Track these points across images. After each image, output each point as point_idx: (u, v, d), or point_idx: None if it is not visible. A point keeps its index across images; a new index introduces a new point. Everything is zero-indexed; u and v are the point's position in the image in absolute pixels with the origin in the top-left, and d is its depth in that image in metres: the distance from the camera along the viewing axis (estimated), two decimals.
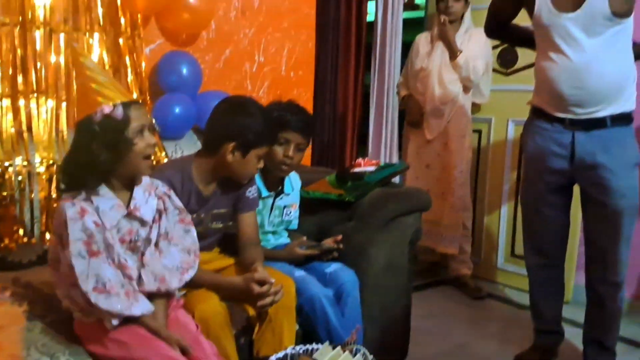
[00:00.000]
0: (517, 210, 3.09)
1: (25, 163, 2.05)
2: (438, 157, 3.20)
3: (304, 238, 2.09)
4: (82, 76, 1.51)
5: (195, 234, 1.67)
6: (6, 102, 2.08)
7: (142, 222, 1.57)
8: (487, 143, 3.37)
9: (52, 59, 2.17)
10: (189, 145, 2.42)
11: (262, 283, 1.70)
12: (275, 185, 2.13)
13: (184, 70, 2.47)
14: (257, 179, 2.05)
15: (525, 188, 2.35)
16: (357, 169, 2.43)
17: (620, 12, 1.96)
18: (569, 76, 2.03)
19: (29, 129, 2.12)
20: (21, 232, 2.05)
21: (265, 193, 2.09)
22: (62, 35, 2.20)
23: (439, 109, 3.12)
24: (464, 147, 3.14)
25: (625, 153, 2.09)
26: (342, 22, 3.37)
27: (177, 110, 2.38)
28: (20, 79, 2.11)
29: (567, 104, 2.07)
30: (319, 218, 2.28)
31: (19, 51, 2.11)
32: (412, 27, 4.11)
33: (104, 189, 1.51)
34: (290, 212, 2.19)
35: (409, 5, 4.92)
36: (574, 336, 2.54)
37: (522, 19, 2.24)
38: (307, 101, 3.17)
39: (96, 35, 2.28)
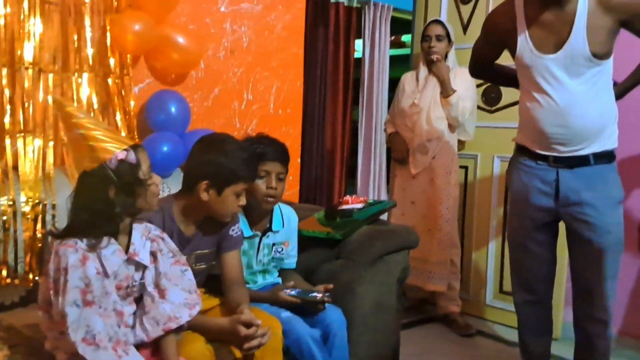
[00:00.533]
0: (504, 246, 3.11)
1: (10, 202, 2.04)
2: (424, 194, 3.21)
3: (292, 283, 2.05)
4: (72, 130, 1.51)
5: (191, 274, 1.67)
6: None
7: (138, 267, 1.57)
8: (473, 179, 3.41)
9: (40, 98, 2.18)
10: (177, 184, 2.41)
11: (248, 325, 1.68)
12: (262, 224, 2.12)
13: (173, 109, 2.48)
14: (241, 218, 2.03)
15: (511, 225, 2.36)
16: (345, 207, 2.44)
17: (600, 54, 2.00)
18: (552, 115, 2.07)
19: (15, 168, 2.11)
20: (4, 272, 2.02)
21: (248, 232, 2.06)
22: (50, 75, 2.22)
23: (425, 145, 3.16)
24: (450, 184, 3.17)
25: (609, 190, 2.11)
26: (330, 58, 3.43)
27: (164, 148, 2.38)
28: (7, 118, 2.11)
29: (550, 142, 2.11)
30: (306, 256, 2.27)
31: (6, 91, 2.12)
32: (398, 64, 4.19)
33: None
34: (281, 250, 2.16)
35: (395, 43, 5.02)
36: None
37: (505, 58, 2.29)
38: (295, 138, 3.20)
39: (85, 75, 2.29)
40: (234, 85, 2.88)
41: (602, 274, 2.12)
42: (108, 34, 2.34)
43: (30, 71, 2.15)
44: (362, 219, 2.31)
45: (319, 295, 1.96)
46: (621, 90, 2.20)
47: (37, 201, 2.10)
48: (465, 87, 3.10)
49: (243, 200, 1.83)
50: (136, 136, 2.42)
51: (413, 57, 3.74)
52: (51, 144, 2.20)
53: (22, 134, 2.14)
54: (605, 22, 1.99)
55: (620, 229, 2.12)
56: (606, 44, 2.01)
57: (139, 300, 1.60)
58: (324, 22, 3.43)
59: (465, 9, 3.43)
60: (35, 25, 2.15)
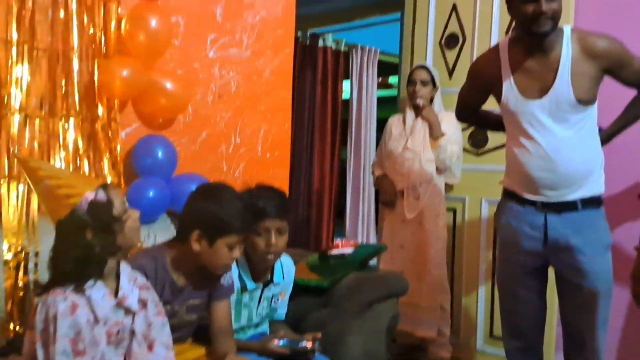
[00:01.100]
0: (494, 290, 3.08)
1: None
2: (412, 237, 3.20)
3: (282, 332, 2.00)
4: (40, 183, 1.52)
5: (169, 329, 1.63)
6: None
7: (127, 312, 1.54)
8: (462, 222, 3.40)
9: (26, 143, 2.17)
10: (162, 229, 2.39)
11: None
12: (264, 275, 2.06)
13: (160, 154, 2.46)
14: (244, 270, 1.99)
15: (501, 270, 2.35)
16: (335, 251, 2.42)
17: (584, 100, 2.03)
18: (539, 160, 2.08)
19: None
20: None
21: (251, 286, 2.01)
22: (37, 121, 2.20)
23: (417, 188, 3.16)
24: (438, 227, 3.16)
25: (597, 236, 2.11)
26: (318, 100, 3.47)
27: (150, 193, 2.36)
28: None
29: (537, 187, 2.11)
30: (294, 304, 2.23)
31: None
32: (386, 104, 4.24)
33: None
34: (277, 301, 2.12)
35: (383, 84, 5.09)
36: None
37: (491, 103, 2.31)
38: (282, 180, 3.18)
39: (72, 120, 2.28)
40: (221, 129, 2.88)
41: (593, 319, 2.11)
42: (96, 79, 2.34)
43: (17, 116, 2.14)
44: (352, 265, 2.29)
45: (308, 345, 1.91)
46: (606, 136, 2.22)
47: (19, 248, 2.06)
48: (451, 130, 3.13)
49: (237, 254, 1.76)
50: (122, 181, 2.39)
51: (400, 101, 3.77)
52: None
53: (7, 180, 2.12)
54: (589, 69, 2.02)
55: (609, 274, 2.11)
56: (591, 90, 2.04)
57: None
58: (312, 65, 3.48)
59: (451, 54, 3.48)
60: (23, 71, 2.15)
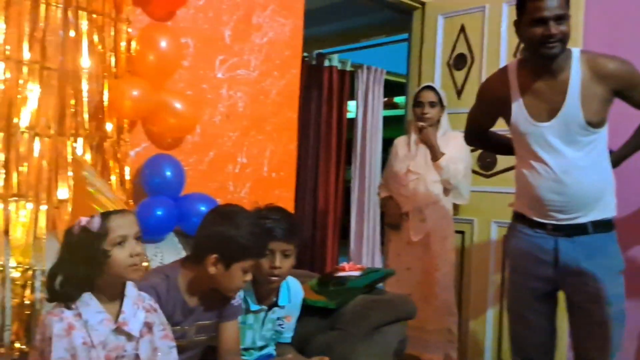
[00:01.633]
0: (502, 314, 3.05)
1: (0, 268, 1.99)
2: (419, 260, 3.17)
3: (290, 356, 1.99)
4: (81, 187, 1.52)
5: (175, 350, 1.61)
6: None
7: (130, 337, 1.52)
8: (470, 244, 3.38)
9: (35, 161, 2.17)
10: (170, 248, 2.38)
11: None
12: (269, 297, 2.05)
13: (168, 173, 2.46)
14: (248, 291, 1.98)
15: (511, 294, 2.32)
16: (341, 274, 2.40)
17: (594, 122, 2.02)
18: (549, 182, 2.06)
19: (6, 232, 2.07)
20: None
21: (254, 307, 2.00)
22: (46, 139, 2.21)
23: (422, 210, 3.14)
24: (446, 249, 3.13)
25: (609, 261, 2.08)
26: (323, 119, 3.47)
27: (158, 212, 2.36)
28: (1, 182, 2.09)
29: (547, 209, 2.09)
30: (300, 325, 2.21)
31: (1, 155, 2.10)
32: (391, 124, 4.25)
33: (93, 301, 1.48)
34: (283, 324, 2.10)
35: (389, 104, 5.11)
36: None
37: (500, 125, 2.31)
38: (288, 200, 3.18)
39: (80, 139, 2.29)
40: (228, 149, 2.89)
41: (605, 345, 2.08)
42: (106, 99, 2.35)
43: (26, 135, 2.15)
44: (357, 288, 2.27)
45: None
46: (617, 158, 2.21)
47: (27, 267, 2.05)
48: (457, 149, 3.10)
49: (249, 276, 1.78)
50: (131, 200, 2.39)
51: (406, 122, 3.78)
52: (44, 207, 2.17)
53: (15, 198, 2.11)
54: (599, 91, 2.01)
55: (621, 300, 2.08)
56: (600, 112, 2.03)
57: None
58: (318, 85, 3.49)
59: (459, 75, 3.49)
60: (33, 91, 2.16)
